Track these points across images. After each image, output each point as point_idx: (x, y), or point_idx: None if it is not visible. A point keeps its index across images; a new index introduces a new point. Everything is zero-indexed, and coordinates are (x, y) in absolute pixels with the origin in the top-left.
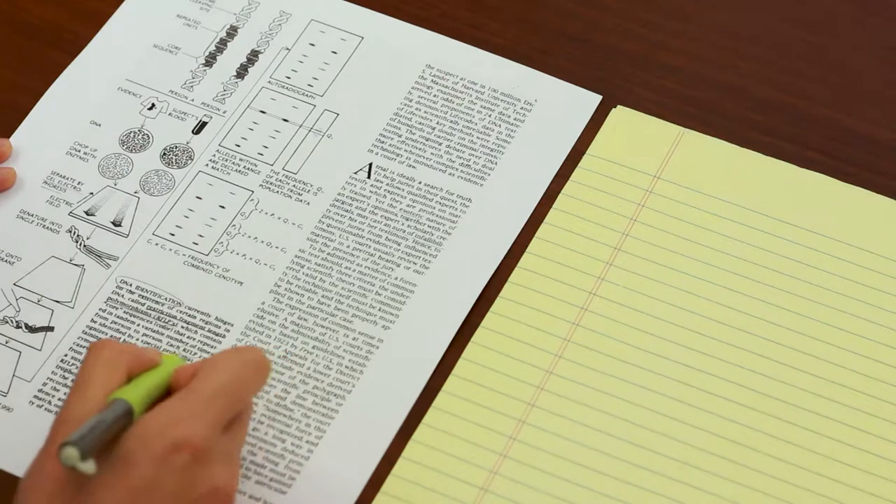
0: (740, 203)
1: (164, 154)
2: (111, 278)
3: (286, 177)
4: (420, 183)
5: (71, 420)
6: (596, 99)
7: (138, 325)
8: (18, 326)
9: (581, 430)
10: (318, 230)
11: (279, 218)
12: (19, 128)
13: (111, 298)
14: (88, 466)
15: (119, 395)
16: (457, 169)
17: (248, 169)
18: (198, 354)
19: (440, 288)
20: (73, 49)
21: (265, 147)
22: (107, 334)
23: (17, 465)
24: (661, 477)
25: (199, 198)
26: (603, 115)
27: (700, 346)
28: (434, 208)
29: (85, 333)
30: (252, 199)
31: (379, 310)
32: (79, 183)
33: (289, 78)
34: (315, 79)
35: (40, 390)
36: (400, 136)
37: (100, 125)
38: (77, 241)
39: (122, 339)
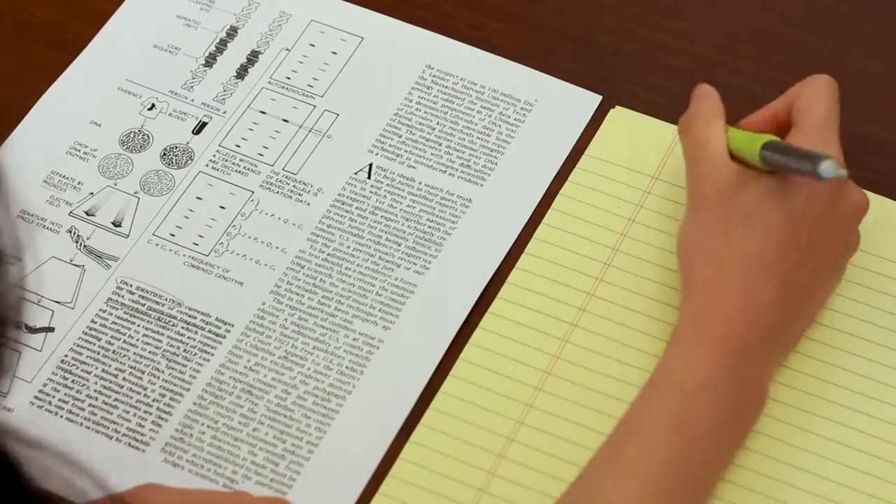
0: None
1: (164, 154)
2: (111, 279)
3: (286, 177)
4: (420, 183)
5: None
6: (596, 99)
7: (138, 325)
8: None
9: (579, 431)
10: (319, 231)
11: (279, 218)
12: (19, 127)
13: (111, 299)
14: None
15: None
16: (457, 169)
17: (249, 169)
18: (198, 355)
19: (440, 288)
20: (73, 49)
21: (265, 147)
22: (107, 335)
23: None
24: None
25: (200, 198)
26: (603, 115)
27: None
28: (434, 209)
29: (85, 334)
30: (252, 200)
31: (379, 310)
32: (79, 183)
33: (289, 78)
34: (315, 79)
35: (40, 391)
36: (400, 136)
37: (100, 125)
38: (77, 242)
39: (122, 340)
